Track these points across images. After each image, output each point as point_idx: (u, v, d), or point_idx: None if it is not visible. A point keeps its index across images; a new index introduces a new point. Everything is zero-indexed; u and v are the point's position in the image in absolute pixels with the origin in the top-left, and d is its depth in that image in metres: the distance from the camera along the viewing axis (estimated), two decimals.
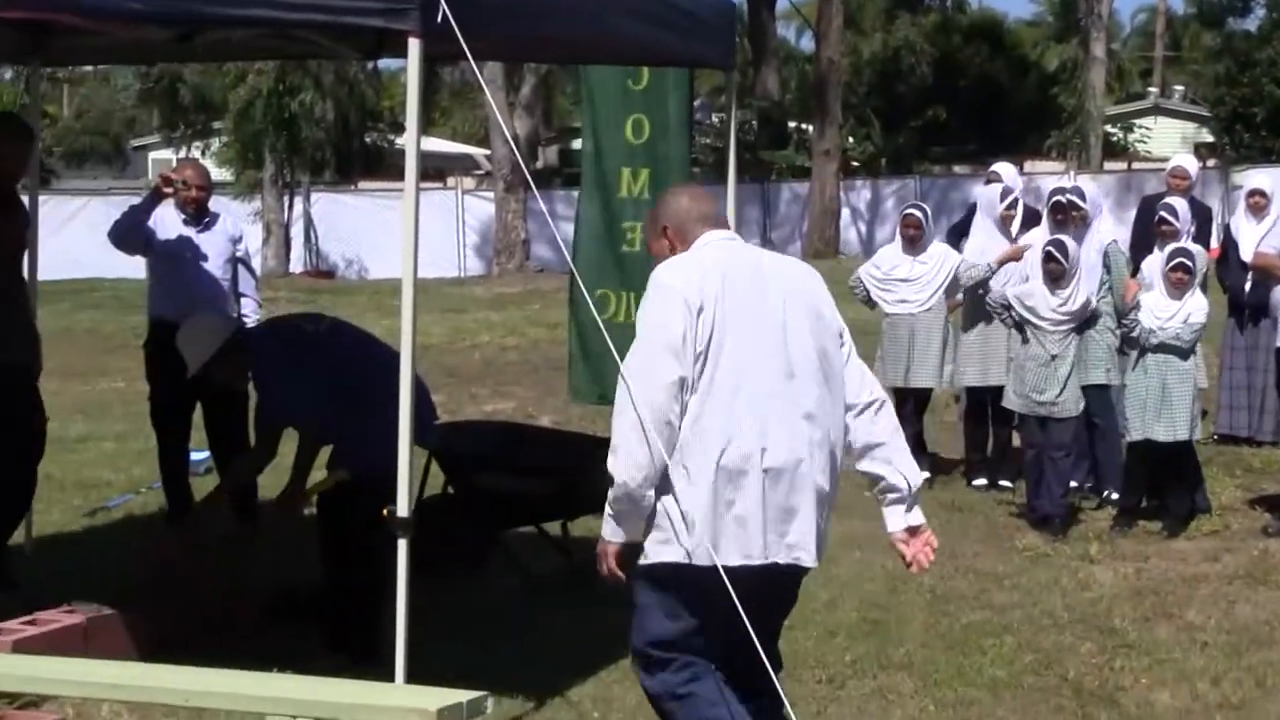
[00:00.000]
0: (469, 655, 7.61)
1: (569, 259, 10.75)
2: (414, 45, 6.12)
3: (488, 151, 39.81)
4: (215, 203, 10.45)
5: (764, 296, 5.41)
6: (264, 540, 9.38)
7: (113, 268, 26.59)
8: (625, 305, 11.22)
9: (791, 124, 44.95)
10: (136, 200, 10.55)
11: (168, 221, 10.17)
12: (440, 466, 9.43)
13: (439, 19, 6.01)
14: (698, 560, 5.25)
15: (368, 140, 45.65)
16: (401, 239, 6.32)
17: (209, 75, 41.69)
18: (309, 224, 41.61)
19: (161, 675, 5.80)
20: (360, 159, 44.46)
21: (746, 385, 5.28)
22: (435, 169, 53.23)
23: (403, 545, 6.31)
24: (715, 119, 41.63)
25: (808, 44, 52.75)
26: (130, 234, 9.97)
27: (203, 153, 44.06)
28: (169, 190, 9.98)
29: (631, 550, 5.37)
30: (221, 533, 9.18)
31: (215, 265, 10.21)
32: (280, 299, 29.58)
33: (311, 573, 8.80)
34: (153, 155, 56.48)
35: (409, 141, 6.25)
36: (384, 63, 38.97)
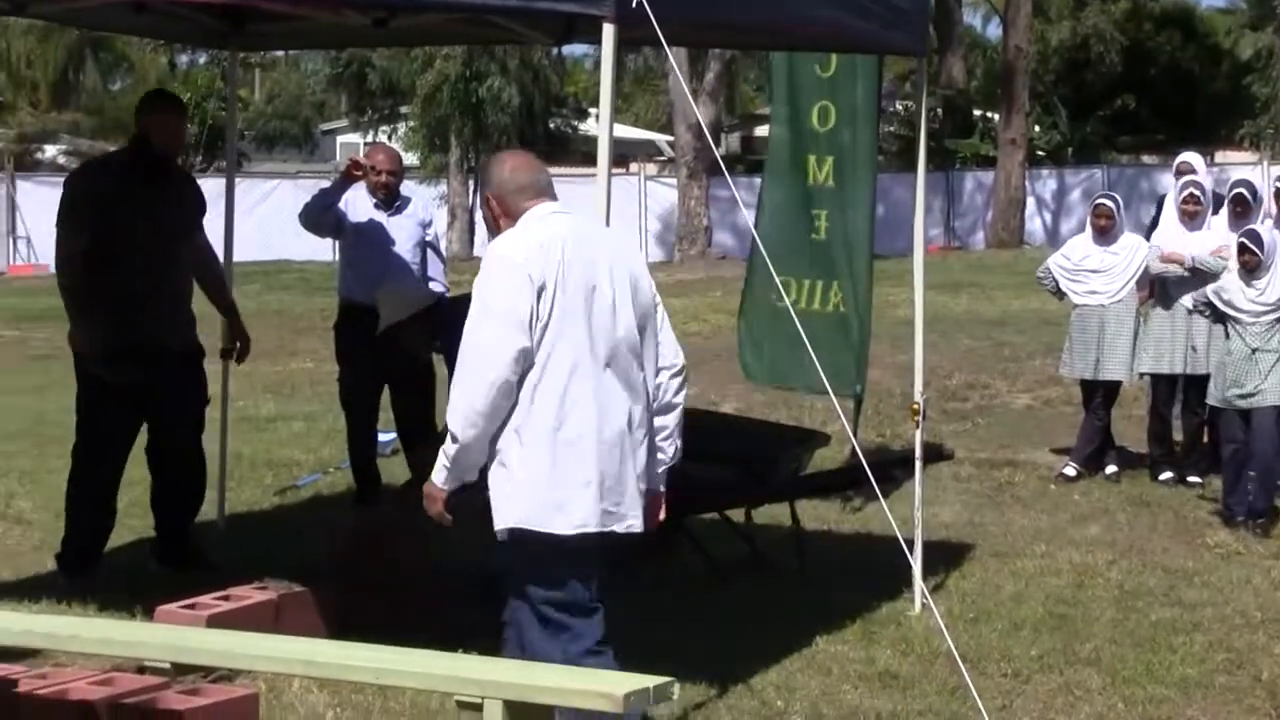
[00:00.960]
0: (654, 640, 7.61)
1: (759, 245, 10.70)
2: (608, 30, 6.11)
3: (670, 138, 39.87)
4: (405, 187, 10.54)
5: (595, 273, 5.67)
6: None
7: (301, 250, 26.98)
8: (807, 292, 11.19)
9: (976, 112, 44.52)
10: (325, 184, 10.68)
11: (359, 205, 10.28)
12: None
13: (633, 4, 6.02)
14: (533, 525, 5.63)
15: (552, 126, 45.86)
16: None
17: (397, 60, 42.11)
18: None
19: (352, 652, 5.86)
20: (544, 144, 44.70)
21: (583, 362, 5.60)
22: (618, 155, 53.41)
23: None
24: (899, 106, 41.33)
25: (994, 31, 52.25)
26: (321, 217, 10.08)
27: (389, 137, 44.58)
28: (358, 174, 10.09)
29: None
30: (411, 512, 9.28)
31: (405, 249, 10.29)
32: (465, 282, 29.70)
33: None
34: (341, 139, 57.20)
35: (602, 127, 6.26)
36: (568, 49, 39.12)
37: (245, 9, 9.01)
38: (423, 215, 10.54)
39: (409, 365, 10.26)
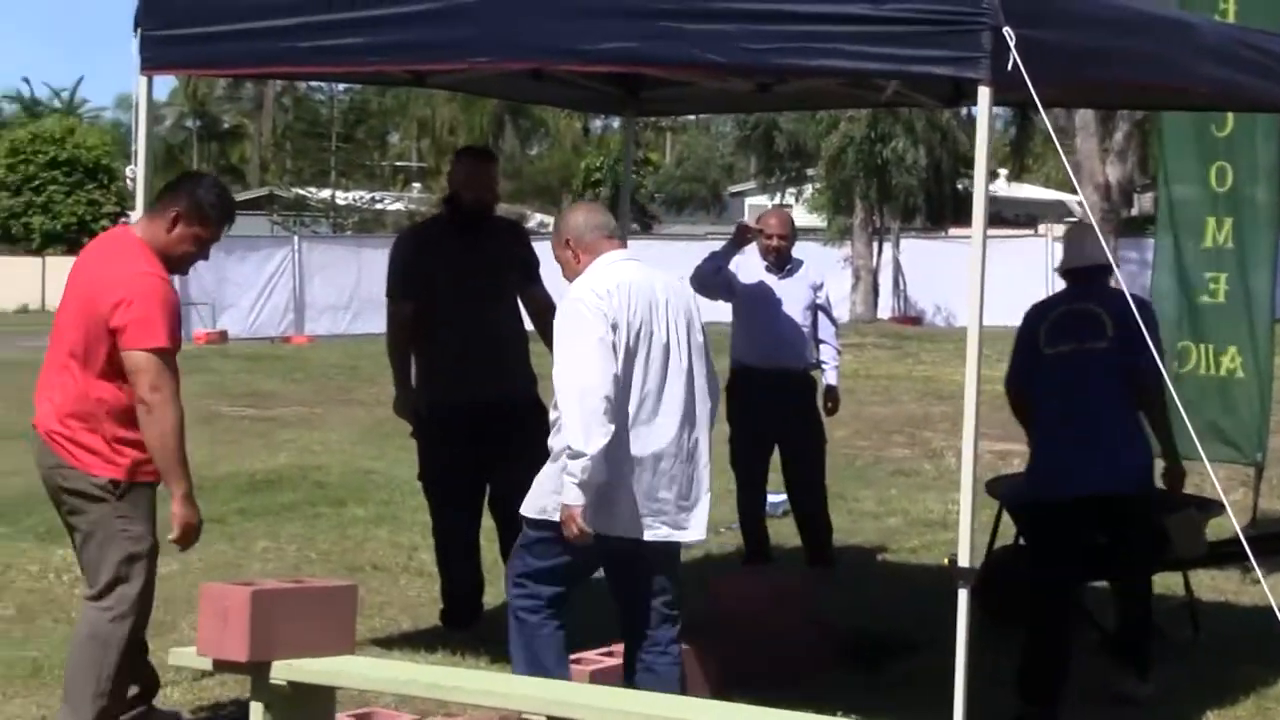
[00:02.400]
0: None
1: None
2: (983, 93, 6.10)
3: (1079, 198, 39.29)
4: (810, 249, 10.63)
5: (654, 315, 6.53)
6: (841, 583, 9.51)
7: (705, 311, 27.30)
8: (1205, 358, 10.90)
9: None
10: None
11: (751, 268, 10.41)
12: (1011, 517, 9.33)
13: (1009, 67, 5.99)
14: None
15: (959, 186, 45.60)
16: (967, 286, 6.30)
17: (803, 122, 42.41)
18: (897, 270, 41.82)
19: (731, 712, 5.94)
20: (951, 205, 44.42)
21: (639, 391, 6.45)
22: (1027, 215, 52.68)
23: (963, 594, 6.25)
24: None
25: None
26: (711, 279, 10.20)
27: (796, 199, 44.87)
28: (749, 238, 10.22)
29: None
30: (799, 574, 9.34)
31: (796, 312, 10.39)
32: (867, 344, 29.84)
33: (890, 619, 8.91)
34: (749, 201, 57.77)
35: (977, 189, 6.23)
36: (975, 109, 38.81)
37: (638, 77, 9.25)
38: (814, 278, 10.61)
39: (799, 428, 10.34)
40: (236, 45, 7.62)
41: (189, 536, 6.52)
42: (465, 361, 8.64)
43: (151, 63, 7.79)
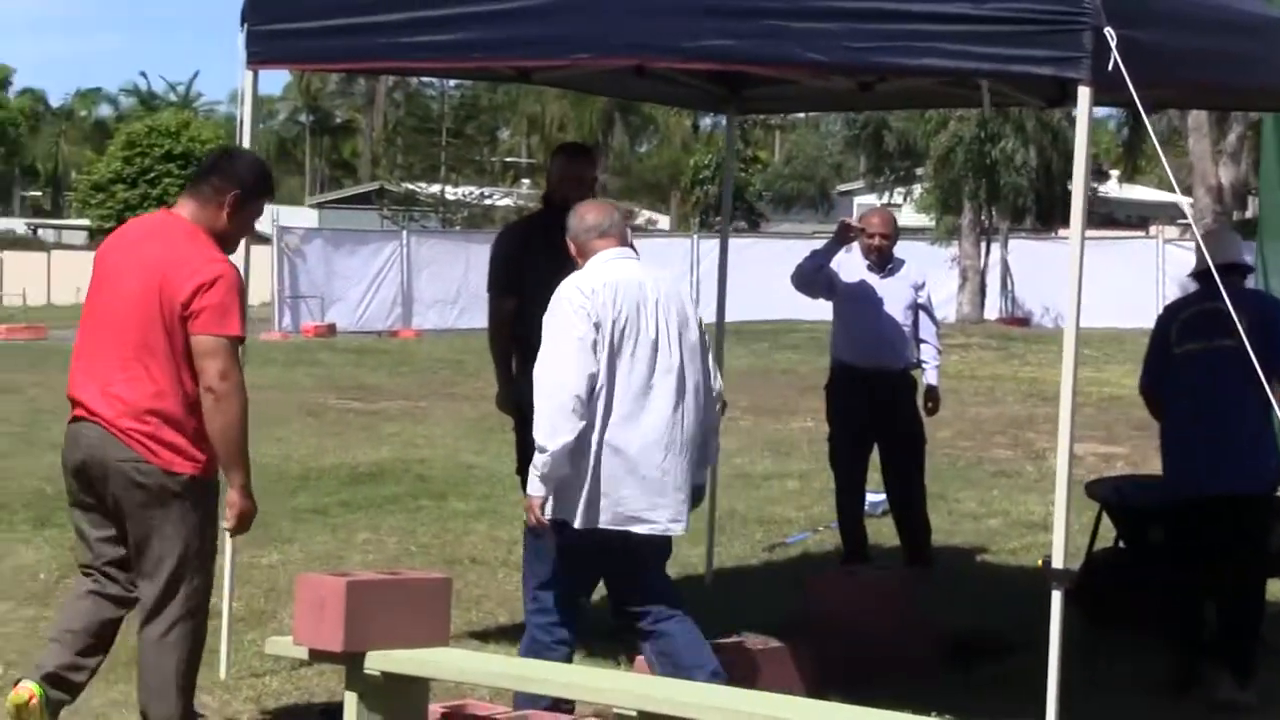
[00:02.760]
0: (1125, 713, 7.50)
1: None
2: (1083, 94, 6.07)
3: (1190, 200, 38.92)
4: (901, 249, 10.59)
5: (643, 313, 6.62)
6: (939, 584, 9.49)
7: (812, 310, 27.28)
8: None
9: None
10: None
11: (852, 267, 10.38)
12: (1111, 519, 9.27)
13: (1109, 67, 5.96)
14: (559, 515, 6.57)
15: (1069, 188, 45.21)
16: (1067, 287, 6.28)
17: (913, 122, 42.23)
18: (1005, 270, 41.55)
19: (827, 712, 5.93)
20: (1061, 206, 44.05)
21: (627, 387, 6.53)
22: (1139, 217, 52.18)
23: (1057, 596, 6.23)
24: None
25: None
26: (812, 277, 10.18)
27: (905, 198, 44.67)
28: (851, 236, 10.19)
29: None
30: (896, 574, 9.32)
31: (897, 311, 10.34)
32: (973, 344, 29.69)
33: (987, 620, 8.87)
34: (857, 200, 57.61)
35: (1075, 189, 6.23)
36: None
37: (740, 75, 9.25)
38: (915, 278, 10.56)
39: (899, 427, 10.31)
40: (341, 40, 7.69)
41: (245, 525, 6.49)
42: None
43: (258, 57, 7.88)
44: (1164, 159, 7.11)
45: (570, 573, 6.78)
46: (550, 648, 6.72)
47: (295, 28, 7.79)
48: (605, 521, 6.59)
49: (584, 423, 6.44)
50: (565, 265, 8.64)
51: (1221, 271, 7.67)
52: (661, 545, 6.87)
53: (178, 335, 6.23)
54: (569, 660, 6.82)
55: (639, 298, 6.66)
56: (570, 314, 6.56)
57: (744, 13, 6.67)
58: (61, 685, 6.37)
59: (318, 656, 6.39)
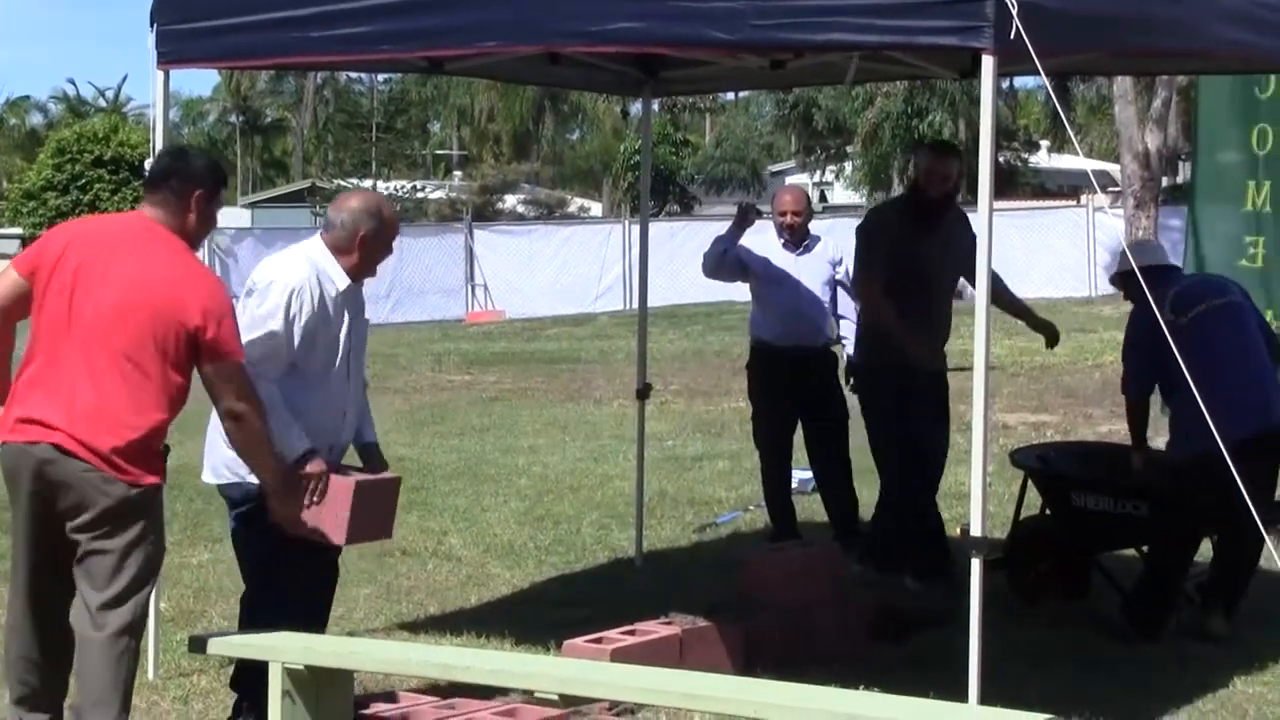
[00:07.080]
0: (1049, 680, 7.55)
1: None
2: (987, 63, 6.10)
3: (1106, 167, 39.15)
4: (833, 226, 10.64)
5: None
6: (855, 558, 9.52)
7: (744, 292, 27.28)
8: None
9: None
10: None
11: (768, 246, 10.40)
12: (1036, 486, 9.32)
13: (1011, 35, 5.97)
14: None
15: (1001, 160, 45.43)
16: (978, 257, 6.31)
17: (841, 99, 42.35)
18: None
19: (753, 689, 5.94)
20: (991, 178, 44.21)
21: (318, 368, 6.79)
22: (1070, 186, 52.41)
23: (976, 564, 6.25)
24: None
25: None
26: (718, 262, 10.28)
27: (836, 176, 44.79)
28: (751, 219, 10.25)
29: None
30: (824, 549, 9.34)
31: (815, 287, 10.36)
32: None
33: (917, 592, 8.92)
34: (789, 180, 57.68)
35: (983, 159, 6.24)
36: (1019, 80, 38.70)
37: (656, 57, 9.26)
38: (833, 254, 10.56)
39: (821, 403, 10.33)
40: (250, 37, 7.64)
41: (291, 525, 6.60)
42: (914, 328, 9.42)
43: (167, 57, 7.83)
44: (1066, 126, 7.15)
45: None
46: None
47: (204, 26, 7.72)
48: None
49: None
50: (919, 247, 9.41)
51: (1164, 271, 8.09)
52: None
53: (170, 354, 6.11)
54: None
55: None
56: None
57: None
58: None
59: None
